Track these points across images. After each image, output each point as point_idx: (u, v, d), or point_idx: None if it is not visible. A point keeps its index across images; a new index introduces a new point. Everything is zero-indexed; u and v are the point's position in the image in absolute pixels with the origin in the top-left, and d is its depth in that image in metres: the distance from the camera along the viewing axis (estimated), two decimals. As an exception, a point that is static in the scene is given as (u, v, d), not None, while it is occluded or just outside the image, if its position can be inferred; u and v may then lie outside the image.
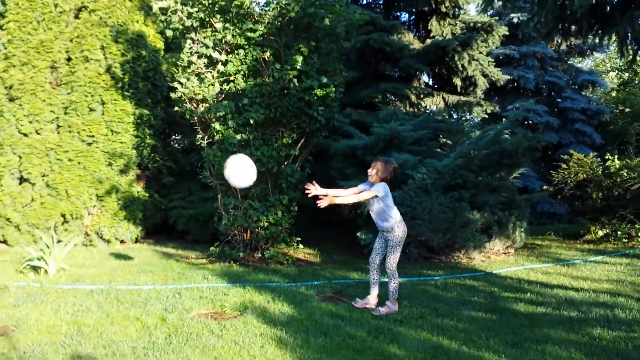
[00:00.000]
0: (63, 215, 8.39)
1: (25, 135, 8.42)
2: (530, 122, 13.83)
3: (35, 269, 6.21)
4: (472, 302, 5.08)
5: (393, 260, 4.75)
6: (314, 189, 4.77)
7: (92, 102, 8.50)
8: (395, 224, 4.73)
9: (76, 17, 8.69)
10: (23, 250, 7.67)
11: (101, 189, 8.50)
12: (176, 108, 7.31)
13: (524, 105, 13.37)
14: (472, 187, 7.39)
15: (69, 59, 8.56)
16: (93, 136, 8.48)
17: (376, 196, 4.71)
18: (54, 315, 4.45)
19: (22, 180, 8.51)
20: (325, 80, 6.98)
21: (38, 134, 8.45)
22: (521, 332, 4.14)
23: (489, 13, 14.85)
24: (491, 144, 7.65)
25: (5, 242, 8.52)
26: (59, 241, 6.39)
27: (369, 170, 4.85)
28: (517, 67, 14.56)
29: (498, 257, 7.75)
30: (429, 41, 12.21)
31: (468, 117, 13.44)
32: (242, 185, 5.07)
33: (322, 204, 4.64)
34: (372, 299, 4.92)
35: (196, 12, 6.90)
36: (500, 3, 9.72)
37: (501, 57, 14.42)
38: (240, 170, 4.85)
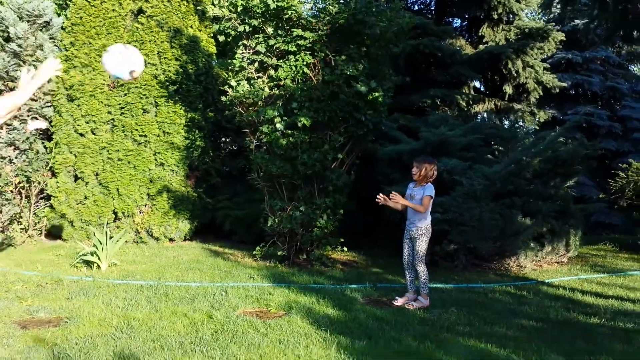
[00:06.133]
0: (115, 213, 8.67)
1: (81, 135, 8.77)
2: (593, 125, 13.30)
3: (88, 263, 6.43)
4: (523, 311, 4.91)
5: (422, 255, 4.99)
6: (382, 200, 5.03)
7: (146, 104, 8.77)
8: (427, 224, 5.00)
9: (134, 21, 8.99)
10: (77, 245, 7.98)
11: (152, 188, 8.74)
12: (226, 112, 7.42)
13: (584, 110, 12.94)
14: (524, 195, 7.16)
15: (126, 62, 8.85)
16: (145, 136, 8.73)
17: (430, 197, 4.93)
18: (105, 308, 4.58)
19: (76, 177, 8.85)
20: (374, 84, 6.93)
21: (93, 133, 8.77)
22: (574, 342, 3.98)
23: (549, 17, 14.54)
24: (545, 152, 7.41)
25: (59, 237, 8.88)
26: (110, 237, 6.60)
27: (413, 170, 5.02)
28: (579, 72, 14.14)
29: (551, 267, 7.48)
30: (481, 47, 11.96)
31: (522, 124, 13.10)
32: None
33: (381, 201, 5.01)
34: (410, 295, 5.11)
35: (249, 19, 7.03)
36: (559, 6, 9.44)
37: (563, 62, 14.02)
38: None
